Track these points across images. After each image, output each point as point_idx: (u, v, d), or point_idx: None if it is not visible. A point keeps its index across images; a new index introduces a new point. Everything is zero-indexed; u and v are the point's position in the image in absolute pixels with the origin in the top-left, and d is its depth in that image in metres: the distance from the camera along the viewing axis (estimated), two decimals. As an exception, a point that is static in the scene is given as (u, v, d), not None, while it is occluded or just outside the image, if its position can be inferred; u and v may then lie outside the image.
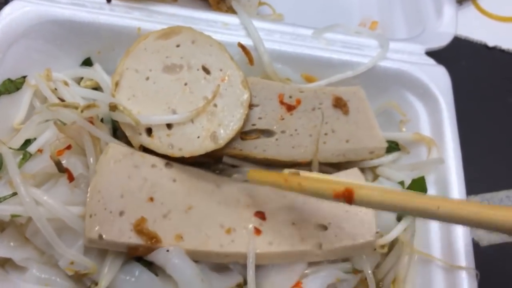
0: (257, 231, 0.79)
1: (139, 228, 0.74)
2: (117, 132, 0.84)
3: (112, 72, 0.90)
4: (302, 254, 0.78)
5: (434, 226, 0.83)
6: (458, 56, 1.24)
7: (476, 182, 1.00)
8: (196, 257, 0.76)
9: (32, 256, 0.77)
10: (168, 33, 0.88)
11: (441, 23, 1.06)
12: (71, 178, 0.77)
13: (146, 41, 0.87)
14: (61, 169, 0.77)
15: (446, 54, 1.05)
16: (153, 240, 0.74)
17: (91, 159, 0.78)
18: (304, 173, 0.77)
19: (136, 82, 0.84)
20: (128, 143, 0.81)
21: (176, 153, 0.80)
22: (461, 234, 0.81)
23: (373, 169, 0.91)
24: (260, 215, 0.80)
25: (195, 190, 0.80)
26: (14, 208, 0.74)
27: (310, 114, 0.88)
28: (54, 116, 0.82)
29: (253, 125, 0.85)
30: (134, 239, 0.74)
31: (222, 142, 0.80)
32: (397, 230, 0.83)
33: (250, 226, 0.79)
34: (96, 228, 0.73)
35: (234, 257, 0.78)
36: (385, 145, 0.90)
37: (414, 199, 0.59)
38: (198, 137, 0.81)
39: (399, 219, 0.85)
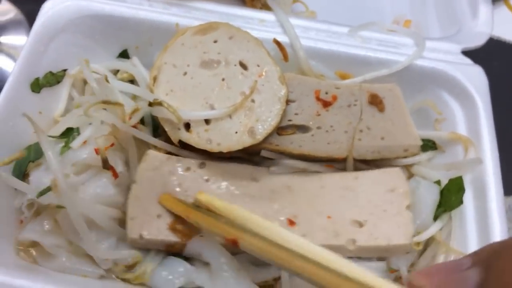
0: (291, 223, 0.79)
1: (173, 227, 0.78)
2: (158, 130, 0.86)
3: (149, 66, 0.92)
4: (335, 249, 0.78)
5: (471, 226, 0.83)
6: (491, 57, 1.22)
7: (509, 183, 0.99)
8: (233, 250, 0.76)
9: (62, 244, 0.78)
10: (205, 28, 0.88)
11: (477, 23, 1.05)
12: (115, 175, 0.80)
13: (184, 37, 0.88)
14: (106, 165, 0.79)
15: (480, 54, 1.04)
16: (188, 237, 0.77)
17: (133, 162, 0.81)
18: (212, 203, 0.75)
19: (174, 77, 0.85)
20: (168, 138, 0.82)
21: (215, 148, 0.81)
22: (498, 234, 0.80)
23: (408, 167, 0.90)
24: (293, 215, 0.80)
25: (228, 186, 0.82)
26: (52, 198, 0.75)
27: (345, 111, 0.88)
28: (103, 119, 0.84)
29: (290, 120, 0.85)
30: (171, 237, 0.77)
31: (259, 137, 0.81)
32: (433, 229, 0.83)
33: (283, 218, 0.79)
34: (137, 229, 0.77)
35: None
36: (420, 143, 0.90)
37: (288, 262, 0.61)
38: (236, 132, 0.81)
39: (435, 218, 0.85)
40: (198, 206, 0.77)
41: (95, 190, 0.79)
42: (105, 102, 0.79)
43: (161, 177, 0.80)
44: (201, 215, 0.74)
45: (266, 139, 0.82)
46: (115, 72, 0.96)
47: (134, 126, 0.81)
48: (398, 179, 0.83)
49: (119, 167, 0.81)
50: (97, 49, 0.97)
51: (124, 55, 0.99)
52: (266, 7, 1.05)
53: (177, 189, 0.80)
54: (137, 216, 0.77)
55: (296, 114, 0.86)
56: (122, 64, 0.95)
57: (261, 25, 0.98)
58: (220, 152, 0.81)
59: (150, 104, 0.81)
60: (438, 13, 1.16)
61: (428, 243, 0.85)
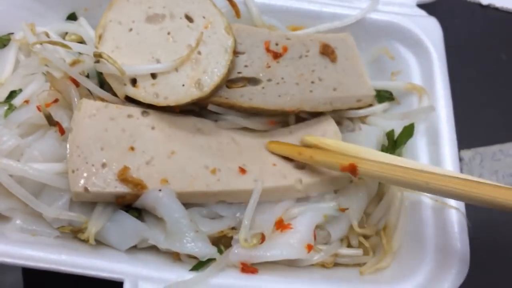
0: (242, 171, 0.79)
1: (123, 177, 0.74)
2: (104, 86, 0.83)
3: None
4: (285, 190, 0.80)
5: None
6: (452, 14, 1.22)
7: (469, 136, 0.99)
8: (184, 199, 0.76)
9: (17, 207, 0.76)
10: (150, -16, 0.87)
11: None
12: (62, 131, 0.78)
13: (128, -7, 0.86)
14: (52, 122, 0.77)
15: (440, 11, 1.03)
16: (139, 187, 0.74)
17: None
18: (322, 141, 0.80)
19: (119, 34, 0.83)
20: (115, 95, 0.80)
21: (162, 102, 0.79)
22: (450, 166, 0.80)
23: (362, 119, 0.90)
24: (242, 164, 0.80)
25: (175, 135, 0.80)
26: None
27: (297, 62, 0.86)
28: (40, 69, 0.82)
29: (239, 73, 0.84)
30: (120, 188, 0.74)
31: (207, 89, 0.79)
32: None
33: (234, 166, 0.79)
34: (81, 182, 0.73)
35: (221, 196, 0.78)
36: (373, 93, 0.90)
37: (405, 175, 0.65)
38: (183, 85, 0.80)
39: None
40: (306, 145, 0.80)
41: (41, 149, 0.77)
42: (51, 43, 0.78)
43: (101, 123, 0.77)
44: (313, 150, 0.77)
45: (215, 92, 0.81)
46: (64, 35, 0.94)
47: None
48: (328, 124, 0.85)
49: (66, 123, 0.79)
50: (45, 12, 0.95)
51: (72, 17, 0.97)
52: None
53: (120, 135, 0.77)
54: (79, 168, 0.74)
55: (245, 66, 0.84)
56: (69, 26, 0.93)
57: (212, -19, 0.96)
58: (169, 106, 0.80)
59: (97, 61, 0.79)
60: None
61: (383, 192, 0.85)
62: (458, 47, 1.13)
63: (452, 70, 0.92)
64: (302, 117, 0.89)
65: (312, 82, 0.86)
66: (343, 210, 0.78)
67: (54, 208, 0.74)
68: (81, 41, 0.92)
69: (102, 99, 0.81)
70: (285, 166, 0.81)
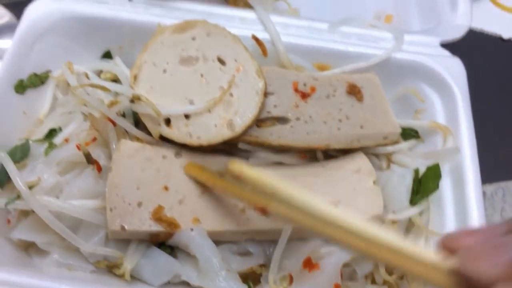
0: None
1: (158, 216, 0.77)
2: (139, 125, 0.87)
3: (132, 66, 0.93)
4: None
5: (450, 212, 0.84)
6: (473, 49, 1.23)
7: (491, 171, 1.00)
8: (215, 237, 0.78)
9: (55, 241, 0.80)
10: (183, 27, 0.90)
11: (456, 16, 1.07)
12: (99, 169, 0.81)
13: (163, 36, 0.89)
14: (90, 160, 0.80)
15: (461, 47, 1.05)
16: (172, 226, 0.77)
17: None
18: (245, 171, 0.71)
19: (154, 74, 0.87)
20: (149, 134, 0.84)
21: (195, 142, 0.82)
22: (476, 219, 0.81)
23: (388, 155, 0.92)
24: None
25: None
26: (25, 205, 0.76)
27: (324, 102, 0.89)
28: (78, 109, 0.86)
29: (269, 112, 0.87)
30: (154, 227, 0.77)
31: (238, 130, 0.82)
32: (411, 211, 0.85)
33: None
34: (118, 220, 0.76)
35: (250, 234, 0.80)
36: (399, 130, 0.91)
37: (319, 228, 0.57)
38: (215, 125, 0.83)
39: (414, 203, 0.86)
40: (222, 175, 0.76)
41: (79, 186, 0.81)
42: (92, 85, 0.83)
43: (138, 163, 0.80)
44: (228, 183, 0.73)
45: (245, 131, 0.84)
46: (99, 73, 0.98)
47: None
48: (361, 160, 0.87)
49: (102, 161, 0.82)
50: (81, 51, 0.99)
51: (107, 56, 1.01)
52: (248, 5, 1.07)
53: (155, 175, 0.80)
54: (117, 206, 0.77)
55: (275, 106, 0.87)
56: (104, 64, 0.97)
57: (241, 23, 0.99)
58: (201, 146, 0.83)
59: (132, 101, 0.83)
60: (419, 7, 1.17)
61: (408, 228, 0.86)
62: (480, 81, 1.15)
63: (474, 105, 0.94)
64: (330, 154, 0.91)
65: (340, 120, 0.89)
66: None
67: (91, 243, 0.78)
68: (116, 79, 0.96)
69: (138, 138, 0.84)
70: None
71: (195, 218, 0.78)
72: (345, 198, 0.83)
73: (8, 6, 1.27)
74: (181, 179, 0.81)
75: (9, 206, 0.76)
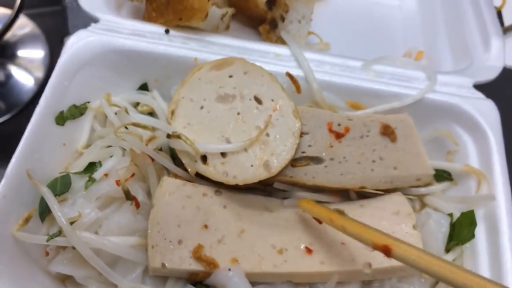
0: (309, 251, 0.81)
1: (198, 255, 0.79)
2: (175, 161, 0.88)
3: (167, 98, 0.95)
4: (352, 274, 0.81)
5: (483, 260, 0.84)
6: (504, 87, 1.23)
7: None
8: (252, 279, 0.79)
9: (93, 275, 0.81)
10: (221, 64, 0.92)
11: (489, 56, 1.07)
12: (138, 205, 0.83)
13: (200, 72, 0.91)
14: (129, 197, 0.82)
15: (492, 84, 1.05)
16: (211, 266, 0.78)
17: (154, 188, 0.83)
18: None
19: (191, 110, 0.88)
20: (186, 170, 0.85)
21: (231, 181, 0.83)
22: (510, 268, 0.81)
23: (421, 197, 0.92)
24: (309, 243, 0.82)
25: (245, 214, 0.84)
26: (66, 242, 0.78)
27: (358, 142, 0.90)
28: (117, 143, 0.88)
29: (303, 152, 0.88)
30: (194, 266, 0.78)
31: (274, 170, 0.83)
32: (446, 261, 0.84)
33: (302, 246, 0.81)
34: (159, 258, 0.78)
35: (288, 277, 0.81)
36: (432, 172, 0.91)
37: (447, 270, 0.59)
38: (252, 165, 0.84)
39: (447, 250, 0.86)
40: (342, 213, 0.77)
41: (118, 222, 0.82)
42: (134, 124, 0.84)
43: (179, 201, 0.82)
44: (347, 220, 0.73)
45: (280, 171, 0.84)
46: (136, 104, 1.00)
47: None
48: (401, 203, 0.87)
49: (140, 196, 0.84)
50: (119, 82, 1.01)
51: (144, 87, 1.03)
52: (281, 40, 1.09)
53: (196, 213, 0.82)
54: (158, 244, 0.78)
55: (309, 146, 0.88)
56: (142, 97, 0.99)
57: (276, 59, 1.01)
58: (236, 185, 0.84)
59: (169, 136, 0.84)
60: (451, 45, 1.18)
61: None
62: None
63: (506, 145, 0.94)
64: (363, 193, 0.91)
65: (373, 161, 0.89)
66: None
67: (128, 280, 0.79)
68: (152, 112, 0.98)
69: (176, 175, 0.85)
70: (353, 246, 0.81)
71: (234, 258, 0.79)
72: None
73: (30, 16, 1.30)
74: (221, 217, 0.83)
75: (50, 242, 0.78)
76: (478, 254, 0.84)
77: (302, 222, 0.85)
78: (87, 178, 0.85)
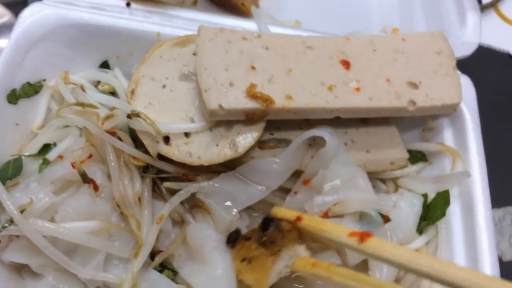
0: (357, 88, 0.82)
1: (252, 93, 0.77)
2: (136, 141, 0.83)
3: (130, 77, 0.90)
4: (397, 111, 0.83)
5: (458, 239, 0.82)
6: (480, 65, 1.21)
7: (499, 195, 0.97)
8: (306, 115, 0.80)
9: (50, 264, 0.76)
10: (184, 41, 0.88)
11: (465, 32, 1.04)
12: (96, 188, 0.78)
13: (161, 49, 0.87)
14: (86, 179, 0.77)
15: (468, 63, 1.02)
16: (268, 102, 0.78)
17: (113, 169, 0.78)
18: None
19: (152, 90, 0.84)
20: (146, 151, 0.80)
21: (195, 162, 0.79)
22: (486, 248, 0.78)
23: (395, 180, 0.89)
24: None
25: (288, 54, 0.83)
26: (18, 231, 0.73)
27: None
28: (74, 122, 0.82)
29: (271, 134, 0.84)
30: (250, 104, 0.77)
31: (241, 150, 0.79)
32: (418, 243, 0.83)
33: (352, 84, 0.82)
34: (214, 100, 0.76)
35: (339, 112, 0.82)
36: (407, 155, 0.89)
37: (418, 261, 0.55)
38: (217, 145, 0.80)
39: (420, 232, 0.84)
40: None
41: (75, 206, 0.77)
42: (78, 104, 0.78)
43: (220, 46, 0.81)
44: (348, 273, 0.65)
45: (247, 152, 0.80)
46: (97, 83, 0.94)
47: (111, 133, 0.79)
48: (443, 42, 0.88)
49: (99, 179, 0.79)
50: (78, 59, 0.95)
51: (105, 65, 0.97)
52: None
53: (240, 56, 0.81)
54: (210, 87, 0.77)
55: (278, 128, 0.84)
56: (103, 75, 0.93)
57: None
58: (201, 165, 0.79)
59: (129, 117, 0.79)
60: (427, 21, 1.15)
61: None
62: (489, 100, 1.13)
63: (482, 124, 0.91)
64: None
65: (345, 144, 0.86)
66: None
67: (88, 269, 0.74)
68: (114, 92, 0.92)
69: (135, 158, 0.80)
70: (398, 82, 0.83)
71: (288, 95, 0.78)
72: (425, 81, 0.84)
73: (8, 5, 1.24)
74: (266, 59, 0.82)
75: (1, 233, 0.73)
76: (453, 235, 0.82)
77: (345, 56, 0.85)
78: (41, 161, 0.79)
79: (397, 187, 0.89)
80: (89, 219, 0.76)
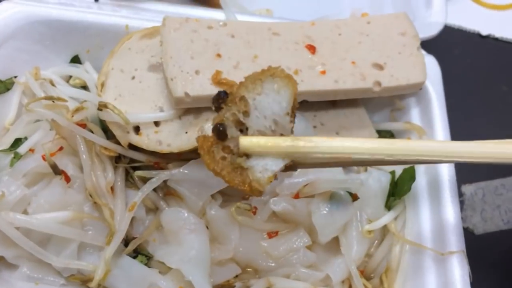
0: (322, 71, 0.83)
1: (218, 80, 0.79)
2: (107, 133, 0.84)
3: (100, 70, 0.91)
4: (363, 92, 0.84)
5: (425, 215, 0.83)
6: (451, 46, 1.23)
7: (470, 171, 1.00)
8: None
9: (24, 254, 0.77)
10: (152, 32, 0.89)
11: (431, 13, 1.05)
12: (68, 179, 0.79)
13: (130, 41, 0.88)
14: (57, 171, 0.78)
15: (439, 43, 1.04)
16: (233, 87, 0.74)
17: (85, 160, 0.79)
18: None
19: (122, 81, 0.85)
20: (118, 142, 0.81)
21: (165, 149, 0.80)
22: (452, 223, 0.80)
23: (363, 160, 0.90)
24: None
25: (254, 40, 0.84)
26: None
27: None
28: (44, 116, 0.83)
29: (241, 121, 0.85)
30: (216, 90, 0.75)
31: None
32: (386, 218, 0.84)
33: (317, 68, 0.83)
34: (180, 88, 0.77)
35: (305, 96, 0.82)
36: (376, 136, 0.90)
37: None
38: (186, 132, 0.81)
39: (389, 208, 0.85)
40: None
41: (47, 198, 0.78)
42: (47, 98, 0.79)
43: (186, 35, 0.82)
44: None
45: (217, 138, 0.81)
46: (68, 78, 0.95)
47: (81, 125, 0.80)
48: (407, 23, 0.89)
49: (70, 170, 0.80)
50: (48, 55, 0.96)
51: (76, 60, 0.98)
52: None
53: (205, 44, 0.82)
54: (176, 76, 0.78)
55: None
56: (73, 70, 0.94)
57: (212, 24, 0.97)
58: (172, 153, 0.80)
59: (99, 108, 0.80)
60: (394, 5, 1.16)
61: (384, 233, 0.86)
62: (458, 78, 1.15)
63: (452, 102, 0.94)
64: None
65: (314, 127, 0.87)
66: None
67: (62, 258, 0.76)
68: (85, 85, 0.93)
69: (106, 149, 0.81)
70: (363, 64, 0.84)
71: None
72: (390, 62, 0.85)
73: None
74: (231, 46, 0.83)
75: None
76: (420, 209, 0.83)
77: (311, 41, 0.85)
78: (12, 155, 0.81)
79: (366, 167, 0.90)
80: (61, 210, 0.78)
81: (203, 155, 0.63)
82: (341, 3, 1.21)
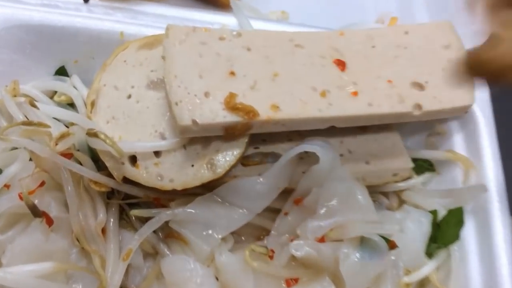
0: (354, 92, 0.73)
1: (231, 104, 0.67)
2: (98, 162, 0.72)
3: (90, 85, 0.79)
4: (401, 116, 0.74)
5: (474, 265, 0.72)
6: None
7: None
8: (297, 126, 0.71)
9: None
10: (151, 42, 0.78)
11: (475, 19, 0.92)
12: (50, 222, 0.68)
13: (125, 52, 0.77)
14: (37, 213, 0.67)
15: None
16: (251, 114, 0.67)
17: (71, 197, 0.67)
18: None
19: (115, 101, 0.74)
20: (110, 174, 0.70)
21: (167, 186, 0.69)
22: (506, 274, 0.69)
23: (398, 193, 0.79)
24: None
25: (274, 54, 0.74)
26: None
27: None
28: (22, 144, 0.71)
29: (256, 148, 0.74)
30: (230, 117, 0.67)
31: (221, 170, 0.69)
32: (427, 269, 0.73)
33: (348, 88, 0.73)
34: (187, 115, 0.66)
35: (333, 121, 0.73)
36: (411, 165, 0.79)
37: None
38: (192, 165, 0.70)
39: (429, 255, 0.74)
40: None
41: (25, 245, 0.67)
42: (25, 123, 0.68)
43: (193, 49, 0.71)
44: None
45: (228, 171, 0.70)
46: (53, 93, 0.83)
47: (66, 155, 0.68)
48: (451, 34, 0.79)
49: (54, 210, 0.69)
50: (29, 66, 0.84)
51: (62, 71, 0.86)
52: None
53: (216, 60, 0.71)
54: (182, 99, 0.67)
55: (263, 140, 0.74)
56: (58, 85, 0.82)
57: (222, 30, 0.85)
58: (174, 190, 0.69)
59: (89, 135, 0.68)
60: (428, 8, 1.03)
61: (423, 284, 0.74)
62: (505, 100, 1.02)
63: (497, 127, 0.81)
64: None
65: (341, 155, 0.76)
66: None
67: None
68: (73, 103, 0.81)
69: (96, 183, 0.69)
70: (401, 83, 0.74)
71: (274, 105, 0.69)
72: (432, 81, 0.75)
73: None
74: (247, 62, 0.72)
75: None
76: (468, 259, 0.72)
77: (340, 55, 0.76)
78: (-16, 191, 0.68)
79: (401, 202, 0.79)
80: (42, 259, 0.66)
81: None
82: (365, 6, 1.08)
